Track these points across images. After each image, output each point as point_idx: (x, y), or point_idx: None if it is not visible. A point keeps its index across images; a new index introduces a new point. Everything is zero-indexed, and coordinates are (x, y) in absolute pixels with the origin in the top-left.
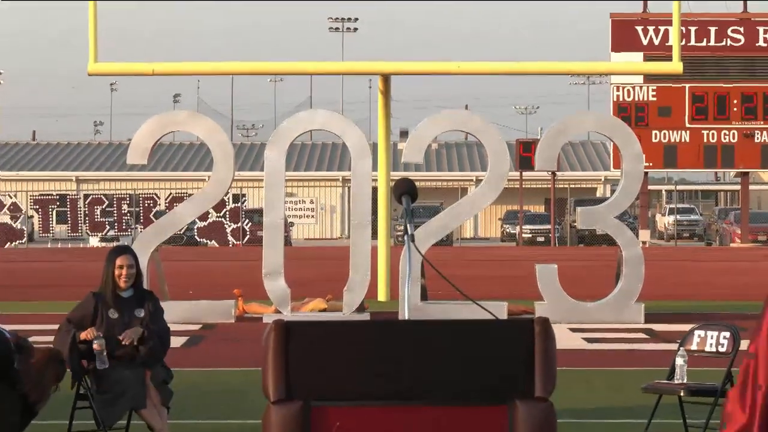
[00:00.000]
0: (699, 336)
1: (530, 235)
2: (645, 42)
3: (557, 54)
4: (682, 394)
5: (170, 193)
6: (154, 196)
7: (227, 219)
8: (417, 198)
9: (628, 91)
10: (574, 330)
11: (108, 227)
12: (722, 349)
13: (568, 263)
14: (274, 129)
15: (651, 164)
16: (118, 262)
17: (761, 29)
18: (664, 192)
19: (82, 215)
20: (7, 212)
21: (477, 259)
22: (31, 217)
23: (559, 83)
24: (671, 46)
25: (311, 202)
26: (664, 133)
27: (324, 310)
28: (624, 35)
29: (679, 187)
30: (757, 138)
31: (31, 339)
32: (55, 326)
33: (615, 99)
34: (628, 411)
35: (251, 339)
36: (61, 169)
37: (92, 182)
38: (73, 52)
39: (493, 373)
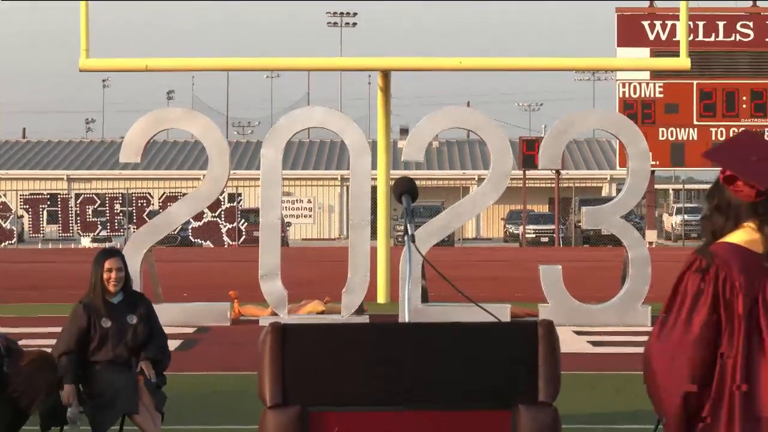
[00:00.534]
0: None
1: (534, 236)
2: (652, 37)
3: (561, 49)
4: None
5: (164, 193)
6: (148, 196)
7: (222, 219)
8: (417, 197)
9: (635, 87)
10: (579, 333)
11: (100, 227)
12: None
13: (572, 264)
14: (270, 126)
15: (658, 162)
16: (107, 265)
17: None
18: (671, 191)
19: (74, 215)
20: None
21: (479, 260)
22: (21, 216)
23: (564, 79)
24: (678, 42)
25: (309, 201)
26: (672, 131)
27: (322, 313)
28: (630, 30)
29: (687, 186)
30: (767, 135)
31: (21, 342)
32: (46, 329)
33: (621, 96)
34: (634, 416)
35: (247, 342)
36: (52, 168)
37: (84, 181)
38: (64, 48)
39: (495, 377)
